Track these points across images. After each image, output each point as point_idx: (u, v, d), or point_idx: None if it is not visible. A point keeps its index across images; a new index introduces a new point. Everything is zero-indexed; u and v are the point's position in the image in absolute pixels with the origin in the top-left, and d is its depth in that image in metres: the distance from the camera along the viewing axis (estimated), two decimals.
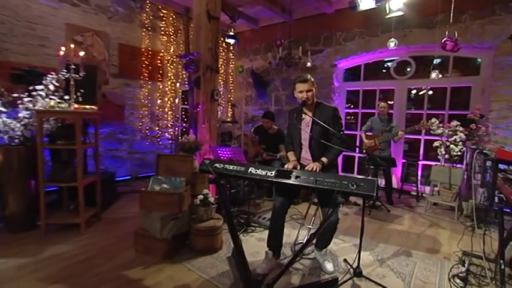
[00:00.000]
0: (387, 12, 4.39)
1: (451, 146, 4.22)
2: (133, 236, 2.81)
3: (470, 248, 2.98)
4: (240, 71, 5.48)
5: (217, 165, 2.45)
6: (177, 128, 5.72)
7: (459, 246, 3.19)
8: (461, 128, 4.28)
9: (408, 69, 5.61)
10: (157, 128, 5.98)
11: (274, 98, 6.87)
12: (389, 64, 6.14)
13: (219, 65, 7.44)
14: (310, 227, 2.96)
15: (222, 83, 7.44)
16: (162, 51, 6.00)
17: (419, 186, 5.15)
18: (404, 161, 5.45)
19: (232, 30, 5.58)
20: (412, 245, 3.30)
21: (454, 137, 4.22)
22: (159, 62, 5.94)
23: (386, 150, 4.61)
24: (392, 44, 4.15)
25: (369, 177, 2.07)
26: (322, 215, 2.49)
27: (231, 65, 7.59)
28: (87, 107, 3.12)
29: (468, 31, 4.69)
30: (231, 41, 5.69)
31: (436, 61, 5.42)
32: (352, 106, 6.47)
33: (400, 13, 4.35)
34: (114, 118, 5.30)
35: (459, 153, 4.22)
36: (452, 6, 4.14)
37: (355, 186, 1.97)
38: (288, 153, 2.72)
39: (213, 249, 2.88)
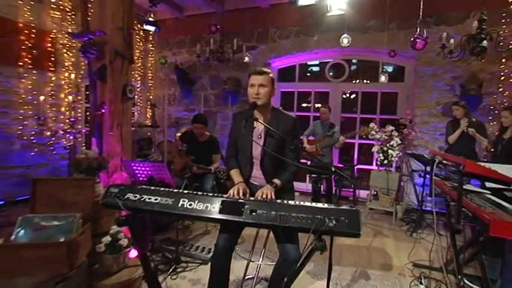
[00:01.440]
0: (328, 10, 4.13)
1: (389, 151, 4.17)
2: None
3: (419, 258, 3.03)
4: (163, 63, 4.56)
5: (130, 195, 1.66)
6: (74, 136, 4.43)
7: (409, 258, 3.14)
8: (396, 133, 4.27)
9: (342, 72, 5.54)
10: (48, 134, 4.56)
11: (201, 97, 6.09)
12: (313, 68, 6.06)
13: (135, 57, 6.37)
14: (259, 263, 2.35)
15: (139, 78, 6.30)
16: (55, 31, 4.61)
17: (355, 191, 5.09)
18: (341, 165, 5.34)
19: (152, 16, 4.60)
20: (365, 262, 3.09)
21: (392, 142, 4.18)
22: (49, 45, 4.54)
23: (328, 156, 4.35)
24: (345, 40, 3.88)
25: (350, 207, 1.56)
26: (278, 249, 1.89)
27: (151, 58, 6.50)
28: None
29: (396, 39, 4.79)
30: (151, 29, 4.66)
31: (387, 68, 5.49)
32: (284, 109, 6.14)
33: (341, 12, 4.13)
34: None
35: (396, 158, 4.20)
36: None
37: (334, 222, 1.44)
38: (231, 170, 2.07)
39: None
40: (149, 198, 1.66)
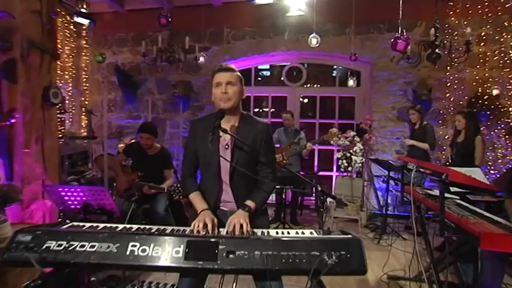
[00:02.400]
0: (286, 10, 3.92)
1: (353, 157, 4.07)
2: None
3: (392, 268, 2.95)
4: (100, 61, 3.89)
5: (51, 244, 1.22)
6: None
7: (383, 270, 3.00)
8: (358, 139, 4.20)
9: (300, 76, 5.39)
10: None
11: (147, 103, 5.44)
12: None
13: (65, 54, 5.45)
14: None
15: (70, 80, 5.39)
16: None
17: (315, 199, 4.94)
18: (303, 173, 5.15)
19: (85, 7, 3.90)
20: (340, 280, 2.83)
21: (355, 147, 4.09)
22: None
23: (296, 164, 4.11)
24: (314, 41, 3.66)
25: (349, 235, 1.31)
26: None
27: (85, 57, 5.64)
28: None
29: (352, 44, 4.78)
30: (83, 22, 3.94)
31: (338, 72, 5.45)
32: None
33: (301, 12, 3.94)
34: None
35: (360, 164, 4.12)
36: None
37: (334, 258, 1.17)
38: (190, 195, 1.64)
39: None
40: (82, 246, 1.20)
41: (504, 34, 4.16)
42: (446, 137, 4.37)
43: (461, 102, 4.33)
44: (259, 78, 5.97)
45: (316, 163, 5.31)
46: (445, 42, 3.40)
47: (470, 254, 2.43)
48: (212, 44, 5.24)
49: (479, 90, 4.24)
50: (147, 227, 1.40)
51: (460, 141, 3.44)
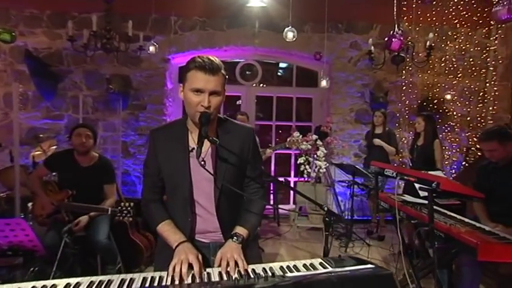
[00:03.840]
0: (247, 1, 3.60)
1: (317, 162, 3.95)
2: None
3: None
4: (7, 41, 2.96)
5: None
6: None
7: None
8: (320, 142, 4.10)
9: (255, 74, 5.11)
10: None
11: (72, 100, 4.54)
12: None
13: None
14: None
15: None
16: None
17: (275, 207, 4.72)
18: None
19: None
20: None
21: (318, 152, 3.96)
22: None
23: None
24: (290, 35, 3.38)
25: (369, 264, 1.08)
26: None
27: None
28: None
29: (311, 42, 4.71)
30: None
31: (283, 71, 5.29)
32: None
33: (263, 4, 3.66)
34: None
35: (324, 169, 4.01)
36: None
37: None
38: (160, 225, 1.28)
39: None
40: None
41: (448, 42, 4.53)
42: (403, 139, 4.57)
43: (414, 106, 4.59)
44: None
45: (273, 168, 5.10)
46: (408, 46, 3.49)
47: (444, 261, 2.47)
48: (156, 33, 4.59)
49: (430, 95, 4.54)
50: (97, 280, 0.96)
51: (420, 144, 3.56)
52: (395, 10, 3.44)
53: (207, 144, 1.18)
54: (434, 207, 2.42)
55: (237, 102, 5.24)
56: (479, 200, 2.32)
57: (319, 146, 4.05)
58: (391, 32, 3.34)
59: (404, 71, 4.56)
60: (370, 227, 4.23)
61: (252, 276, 1.02)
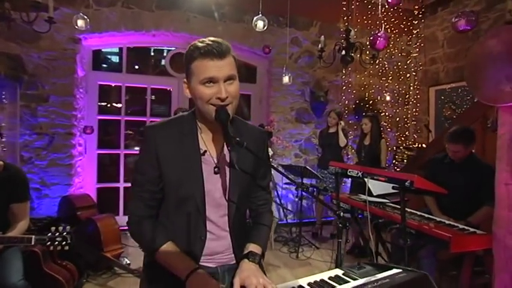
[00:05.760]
0: None
1: None
2: None
3: None
4: None
5: None
6: None
7: None
8: (268, 142, 3.92)
9: None
10: None
11: None
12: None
13: None
14: None
15: None
16: None
17: None
18: None
19: None
20: None
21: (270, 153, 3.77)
22: None
23: None
24: (261, 23, 3.04)
25: (400, 269, 1.06)
26: None
27: None
28: None
29: (251, 35, 4.50)
30: None
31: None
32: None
33: None
34: None
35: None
36: None
37: None
38: (161, 248, 1.06)
39: None
40: None
41: None
42: None
43: (353, 106, 4.81)
44: (105, 65, 4.87)
45: None
46: (357, 45, 3.58)
47: (401, 255, 2.61)
48: (61, 4, 3.73)
49: (366, 95, 4.82)
50: None
51: (368, 144, 3.71)
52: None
53: (221, 147, 1.10)
54: (391, 205, 2.57)
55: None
56: (432, 194, 2.53)
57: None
58: (352, 30, 3.40)
59: (344, 71, 4.74)
60: (315, 229, 4.26)
61: None
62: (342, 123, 3.98)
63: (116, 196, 4.29)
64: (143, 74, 4.75)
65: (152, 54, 5.12)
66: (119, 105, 4.45)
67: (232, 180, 1.11)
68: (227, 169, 1.10)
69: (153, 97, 4.58)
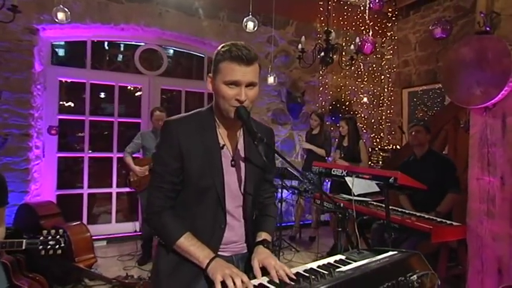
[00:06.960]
0: None
1: None
2: None
3: None
4: None
5: None
6: None
7: None
8: None
9: (161, 62, 4.54)
10: None
11: None
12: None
13: None
14: None
15: None
16: None
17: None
18: None
19: None
20: None
21: None
22: None
23: None
24: (251, 25, 3.00)
25: (395, 251, 1.26)
26: None
27: None
28: None
29: (226, 32, 4.50)
30: None
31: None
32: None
33: None
34: None
35: None
36: None
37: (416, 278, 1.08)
38: (180, 240, 1.16)
39: None
40: None
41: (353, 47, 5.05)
42: None
43: (330, 107, 4.91)
44: (66, 60, 4.67)
45: None
46: (336, 47, 3.67)
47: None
48: None
49: (342, 97, 4.95)
50: None
51: (346, 146, 3.84)
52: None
53: (236, 142, 1.25)
54: (374, 203, 2.75)
55: (136, 94, 4.56)
56: (404, 193, 2.86)
57: None
58: (331, 32, 3.49)
59: (321, 72, 4.84)
60: (293, 232, 4.31)
61: (312, 276, 1.00)
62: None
63: (79, 204, 4.07)
64: (110, 71, 4.57)
65: (122, 49, 4.94)
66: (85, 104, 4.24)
67: (248, 173, 1.25)
68: (241, 163, 1.24)
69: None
